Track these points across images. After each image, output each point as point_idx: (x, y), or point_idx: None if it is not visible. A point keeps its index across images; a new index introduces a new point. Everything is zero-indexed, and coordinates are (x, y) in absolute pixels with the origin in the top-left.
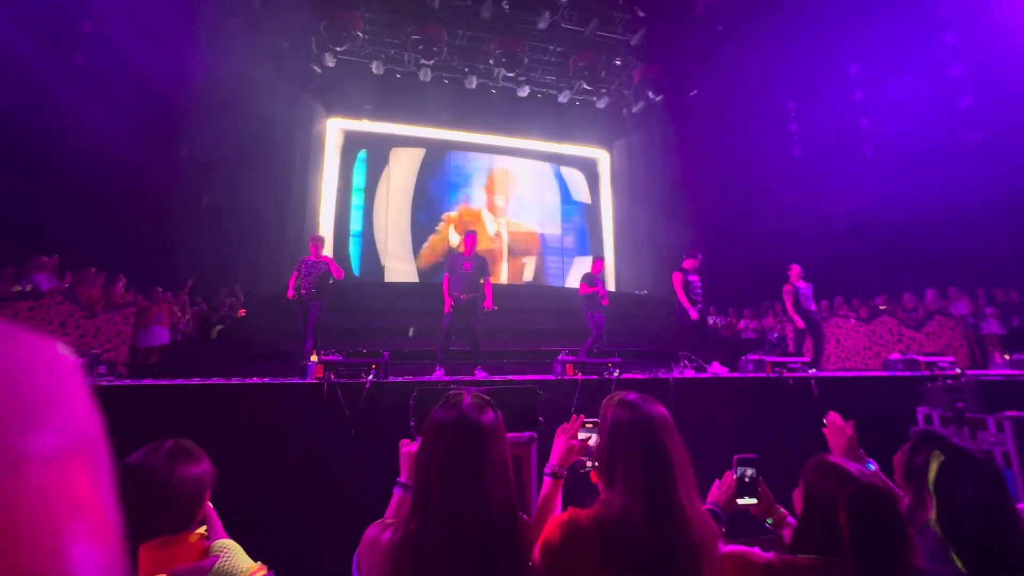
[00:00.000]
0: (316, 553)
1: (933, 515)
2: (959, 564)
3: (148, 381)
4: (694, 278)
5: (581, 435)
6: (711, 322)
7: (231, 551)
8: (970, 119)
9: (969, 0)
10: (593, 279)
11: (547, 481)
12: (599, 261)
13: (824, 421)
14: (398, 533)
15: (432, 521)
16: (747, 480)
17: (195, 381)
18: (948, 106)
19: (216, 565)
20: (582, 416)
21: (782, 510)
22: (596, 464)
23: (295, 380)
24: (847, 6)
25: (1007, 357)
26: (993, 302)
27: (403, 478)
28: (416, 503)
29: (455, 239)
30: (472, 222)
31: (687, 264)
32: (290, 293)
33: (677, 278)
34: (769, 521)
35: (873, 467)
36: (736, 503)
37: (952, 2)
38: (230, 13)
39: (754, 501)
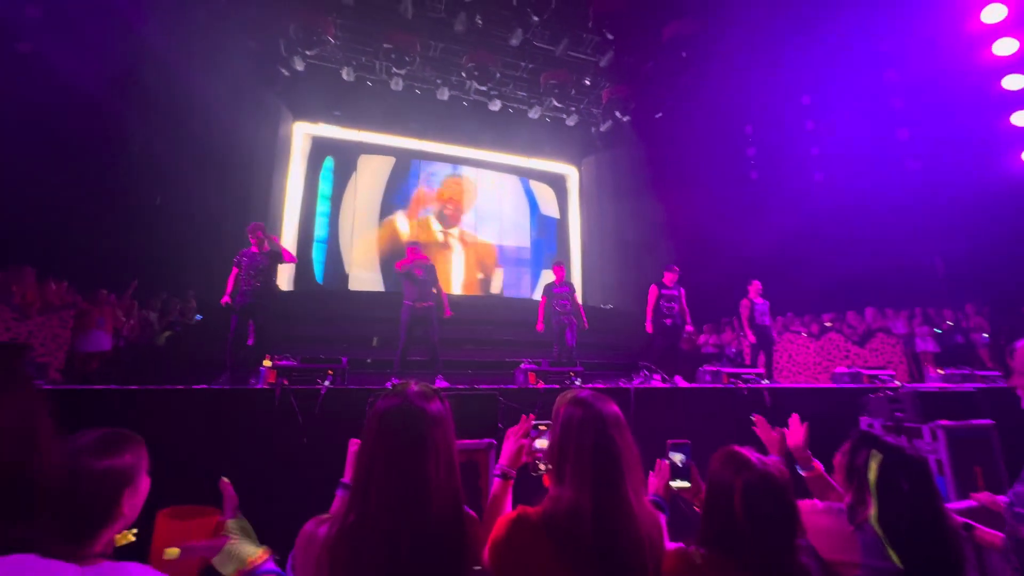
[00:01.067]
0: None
1: (873, 511)
2: (895, 558)
3: (82, 386)
4: (669, 292)
5: (537, 442)
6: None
7: (240, 534)
8: (909, 149)
9: (906, 41)
10: (552, 289)
11: (496, 482)
12: (559, 268)
13: (753, 420)
14: (335, 527)
15: (372, 510)
16: (680, 465)
17: (134, 387)
18: (889, 137)
19: (226, 546)
20: (532, 416)
21: None
22: (548, 466)
23: (245, 386)
24: (800, 40)
25: (940, 372)
26: (928, 321)
27: (346, 479)
28: (356, 493)
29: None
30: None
31: (665, 278)
32: (225, 298)
33: (651, 292)
34: (699, 506)
35: (817, 467)
36: (670, 487)
37: (891, 42)
38: (194, 5)
39: (686, 484)
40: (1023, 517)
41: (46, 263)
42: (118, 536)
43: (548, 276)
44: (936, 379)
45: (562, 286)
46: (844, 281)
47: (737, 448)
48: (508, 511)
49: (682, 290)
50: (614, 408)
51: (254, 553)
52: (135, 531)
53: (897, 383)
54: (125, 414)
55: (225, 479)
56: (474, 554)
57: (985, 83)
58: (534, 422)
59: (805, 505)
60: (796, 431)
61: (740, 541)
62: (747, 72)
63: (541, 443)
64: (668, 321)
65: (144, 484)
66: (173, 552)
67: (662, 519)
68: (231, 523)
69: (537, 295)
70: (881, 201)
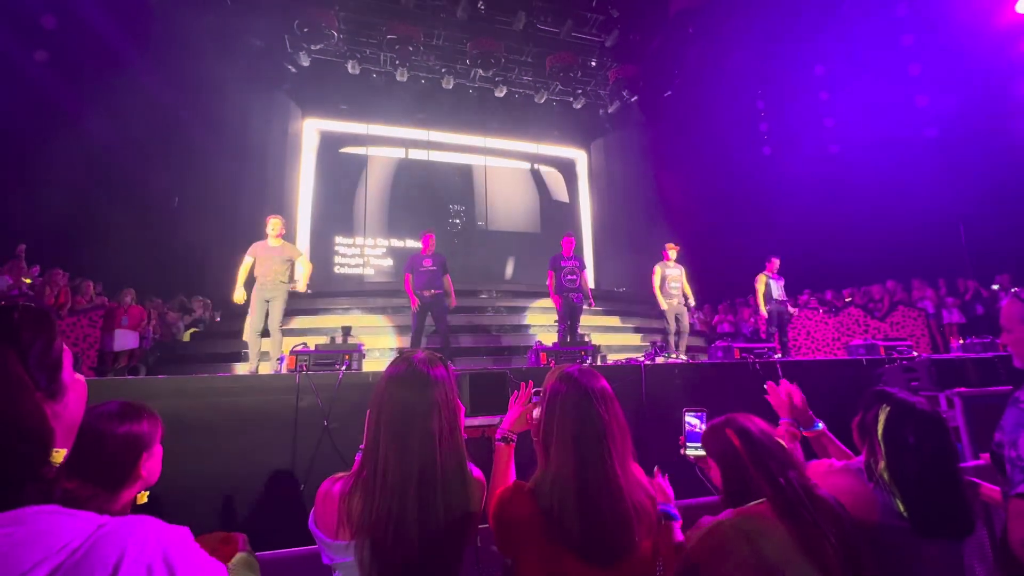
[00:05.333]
0: (288, 532)
1: (883, 464)
2: (902, 510)
3: (111, 377)
4: (672, 271)
5: (535, 411)
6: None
7: (243, 568)
8: (929, 116)
9: (925, 3)
10: (559, 262)
11: (498, 446)
12: (568, 240)
13: (765, 389)
14: (350, 482)
15: (381, 464)
16: (696, 432)
17: (162, 376)
18: (907, 104)
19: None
20: (531, 383)
21: None
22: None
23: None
24: (811, 10)
25: (962, 342)
26: (954, 292)
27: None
28: (367, 451)
29: None
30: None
31: (665, 257)
32: (236, 292)
33: (654, 272)
34: None
35: (820, 426)
36: (685, 454)
37: (909, 5)
38: (200, 11)
39: (703, 453)
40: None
41: (77, 265)
42: (138, 496)
43: None
44: (957, 349)
45: (570, 259)
46: (864, 254)
47: (715, 419)
48: (511, 474)
49: (681, 268)
50: (601, 383)
51: None
52: (148, 493)
53: (915, 354)
54: (173, 402)
55: (241, 534)
56: (479, 511)
57: (1008, 44)
58: (535, 389)
59: (821, 465)
60: (794, 393)
61: (760, 490)
62: (757, 44)
63: (539, 412)
64: (672, 300)
65: (159, 452)
66: None
67: (675, 526)
68: (239, 556)
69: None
70: (900, 171)
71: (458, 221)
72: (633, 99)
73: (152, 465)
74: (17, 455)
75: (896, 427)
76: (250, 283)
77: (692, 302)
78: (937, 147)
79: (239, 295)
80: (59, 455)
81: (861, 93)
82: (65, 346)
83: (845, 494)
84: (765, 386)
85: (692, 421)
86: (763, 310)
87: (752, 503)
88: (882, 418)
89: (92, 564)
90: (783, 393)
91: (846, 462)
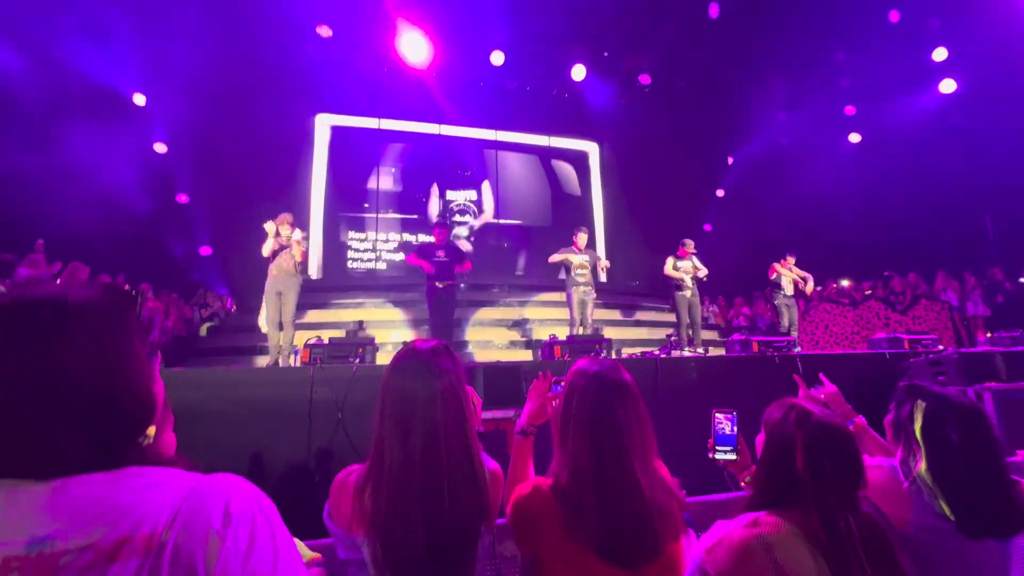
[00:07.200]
0: (303, 524)
1: (923, 465)
2: (947, 511)
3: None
4: (685, 263)
5: (556, 401)
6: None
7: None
8: (954, 103)
9: None
10: (571, 255)
11: (516, 439)
12: (580, 233)
13: (795, 382)
14: (362, 473)
15: (387, 457)
16: (726, 434)
17: (178, 368)
18: (932, 92)
19: None
20: (549, 373)
21: None
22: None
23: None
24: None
25: (989, 335)
26: (979, 283)
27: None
28: (375, 444)
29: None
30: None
31: (681, 253)
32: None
33: (666, 264)
34: (747, 480)
35: (860, 420)
36: (715, 457)
37: None
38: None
39: (733, 457)
40: None
41: (97, 260)
42: None
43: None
44: (984, 343)
45: (582, 252)
46: (886, 246)
47: (789, 399)
48: (530, 468)
49: (695, 260)
50: (621, 377)
51: (306, 555)
52: None
53: (940, 347)
54: (192, 393)
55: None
56: (495, 504)
57: None
58: (555, 379)
59: None
60: (827, 387)
61: (801, 499)
62: (775, 29)
63: (557, 404)
64: (688, 293)
65: (167, 440)
66: None
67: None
68: None
69: (561, 274)
70: (923, 161)
71: (469, 215)
72: (647, 88)
73: (166, 440)
74: (135, 420)
75: (936, 424)
76: (263, 277)
77: (704, 272)
78: (963, 135)
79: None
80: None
81: (884, 80)
82: None
83: (877, 490)
84: (795, 378)
85: (722, 423)
86: (770, 301)
87: (784, 512)
88: (918, 415)
89: (207, 508)
90: (813, 391)
91: (879, 459)
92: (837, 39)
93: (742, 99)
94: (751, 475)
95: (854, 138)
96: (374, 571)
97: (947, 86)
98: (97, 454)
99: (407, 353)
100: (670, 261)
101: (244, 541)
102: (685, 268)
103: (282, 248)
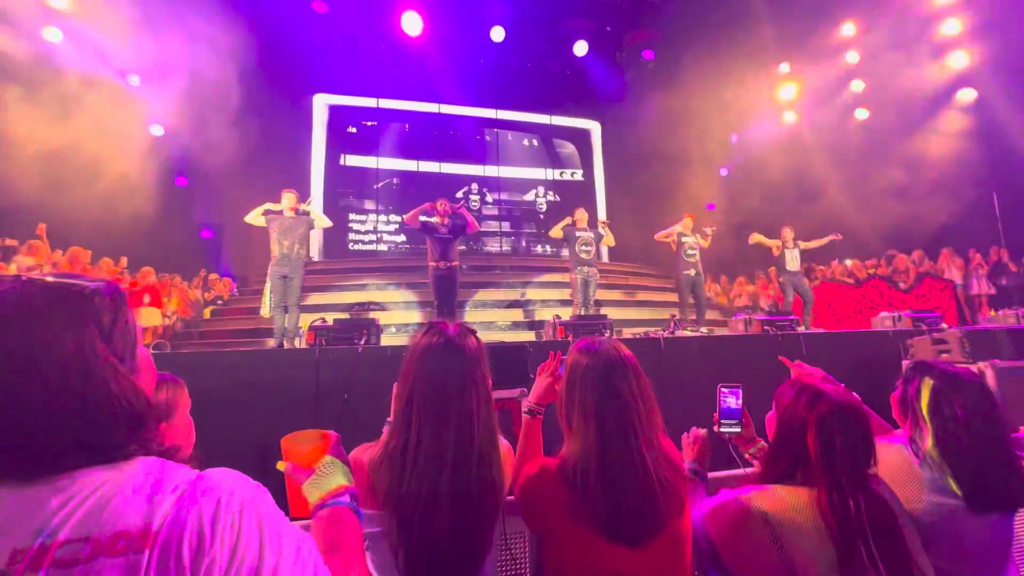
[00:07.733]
0: None
1: (930, 441)
2: (954, 487)
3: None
4: (689, 238)
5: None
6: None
7: (331, 468)
8: (960, 79)
9: None
10: (573, 234)
11: (524, 419)
12: (581, 211)
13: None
14: (378, 451)
15: (415, 435)
16: (732, 407)
17: (185, 351)
18: (940, 65)
19: (312, 476)
20: (559, 353)
21: (762, 442)
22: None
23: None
24: None
25: (992, 313)
26: (984, 261)
27: (392, 417)
28: (398, 423)
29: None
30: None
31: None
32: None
33: (669, 232)
34: (751, 451)
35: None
36: (720, 431)
37: None
38: None
39: (738, 430)
40: None
41: (99, 243)
42: None
43: None
44: (988, 321)
45: (584, 231)
46: (890, 224)
47: (804, 378)
48: (538, 448)
49: (698, 237)
50: (624, 354)
51: (333, 484)
52: None
53: (944, 325)
54: (197, 375)
55: (334, 433)
56: (508, 482)
57: None
58: (562, 357)
59: None
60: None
61: (811, 476)
62: (776, 5)
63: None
64: (693, 272)
65: (184, 423)
66: (282, 466)
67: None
68: (327, 458)
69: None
70: (930, 137)
71: (471, 195)
72: (650, 64)
73: (175, 435)
74: (116, 431)
75: (943, 400)
76: (265, 261)
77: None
78: (971, 111)
79: (252, 216)
80: None
81: (891, 54)
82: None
83: (890, 471)
84: (782, 360)
85: (728, 397)
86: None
87: (792, 488)
88: (926, 392)
89: (199, 504)
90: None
91: (887, 436)
92: (846, 11)
93: (747, 74)
94: (755, 447)
95: (861, 114)
96: (388, 547)
97: (957, 60)
98: (96, 451)
99: (437, 337)
100: (674, 230)
101: (230, 536)
102: (689, 244)
103: (285, 229)
